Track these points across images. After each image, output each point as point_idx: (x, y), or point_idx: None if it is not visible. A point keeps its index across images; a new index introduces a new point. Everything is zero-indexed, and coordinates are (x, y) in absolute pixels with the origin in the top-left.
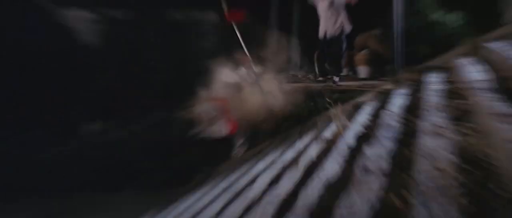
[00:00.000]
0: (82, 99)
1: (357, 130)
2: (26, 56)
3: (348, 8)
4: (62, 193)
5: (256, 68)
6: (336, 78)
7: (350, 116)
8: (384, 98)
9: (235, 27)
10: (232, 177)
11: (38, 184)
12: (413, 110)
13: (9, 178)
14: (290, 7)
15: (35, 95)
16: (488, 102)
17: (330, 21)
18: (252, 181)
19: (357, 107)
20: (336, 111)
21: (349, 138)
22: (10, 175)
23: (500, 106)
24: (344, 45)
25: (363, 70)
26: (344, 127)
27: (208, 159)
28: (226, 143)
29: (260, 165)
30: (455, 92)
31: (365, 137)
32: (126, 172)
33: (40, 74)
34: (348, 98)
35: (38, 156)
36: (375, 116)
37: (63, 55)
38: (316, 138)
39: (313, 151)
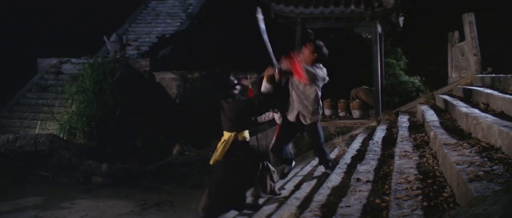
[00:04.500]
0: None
1: (352, 153)
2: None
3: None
4: None
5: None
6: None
7: (348, 143)
8: (370, 132)
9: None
10: None
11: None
12: (389, 140)
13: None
14: None
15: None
16: (439, 135)
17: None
18: (282, 186)
19: (352, 138)
20: (338, 139)
21: (347, 158)
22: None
23: (445, 137)
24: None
25: (356, 113)
26: (344, 151)
27: None
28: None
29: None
30: (417, 128)
31: (357, 158)
32: None
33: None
34: (346, 131)
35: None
36: (364, 144)
37: (163, 101)
38: None
39: (322, 167)
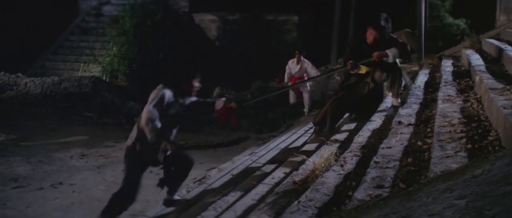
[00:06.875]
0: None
1: None
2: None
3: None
4: None
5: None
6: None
7: None
8: (412, 76)
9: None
10: (306, 126)
11: None
12: (432, 84)
13: None
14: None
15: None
16: (485, 80)
17: None
18: None
19: None
20: None
21: (388, 102)
22: None
23: (491, 82)
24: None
25: None
26: (384, 95)
27: (289, 115)
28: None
29: None
30: (461, 73)
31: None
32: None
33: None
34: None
35: None
36: (406, 88)
37: (202, 44)
38: None
39: None
